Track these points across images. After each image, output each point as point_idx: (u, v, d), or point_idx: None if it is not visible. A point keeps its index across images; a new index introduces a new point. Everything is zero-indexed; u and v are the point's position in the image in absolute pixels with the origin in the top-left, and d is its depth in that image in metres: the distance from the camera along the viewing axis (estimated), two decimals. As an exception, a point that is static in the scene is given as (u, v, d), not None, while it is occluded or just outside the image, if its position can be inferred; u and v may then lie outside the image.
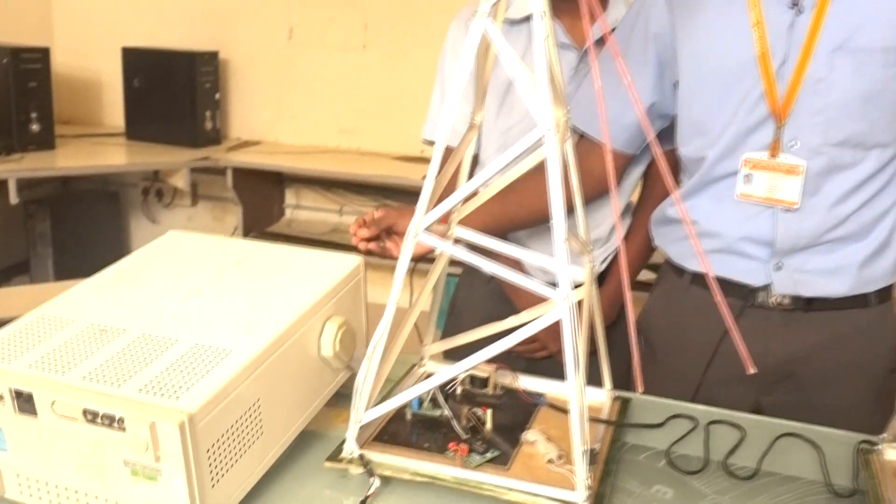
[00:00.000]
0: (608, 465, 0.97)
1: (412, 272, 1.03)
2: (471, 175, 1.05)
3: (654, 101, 1.39)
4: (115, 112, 3.85)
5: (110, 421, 0.78)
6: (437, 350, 1.17)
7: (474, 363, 0.92)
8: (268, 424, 0.89)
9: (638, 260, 1.61)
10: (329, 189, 3.71)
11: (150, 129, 3.60)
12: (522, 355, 1.52)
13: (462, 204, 1.07)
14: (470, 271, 1.65)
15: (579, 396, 0.88)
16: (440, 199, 0.96)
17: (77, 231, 3.70)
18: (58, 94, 3.42)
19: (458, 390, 1.09)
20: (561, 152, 0.90)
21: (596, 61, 0.99)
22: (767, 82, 1.25)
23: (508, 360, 1.10)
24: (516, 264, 1.39)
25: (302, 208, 3.81)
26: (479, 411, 1.03)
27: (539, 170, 0.93)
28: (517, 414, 1.07)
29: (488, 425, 1.02)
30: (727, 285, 1.33)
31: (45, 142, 3.31)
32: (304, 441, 1.00)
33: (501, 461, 0.96)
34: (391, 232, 1.38)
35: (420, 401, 1.04)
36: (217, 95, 3.60)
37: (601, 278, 1.59)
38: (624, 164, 1.50)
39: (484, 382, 1.09)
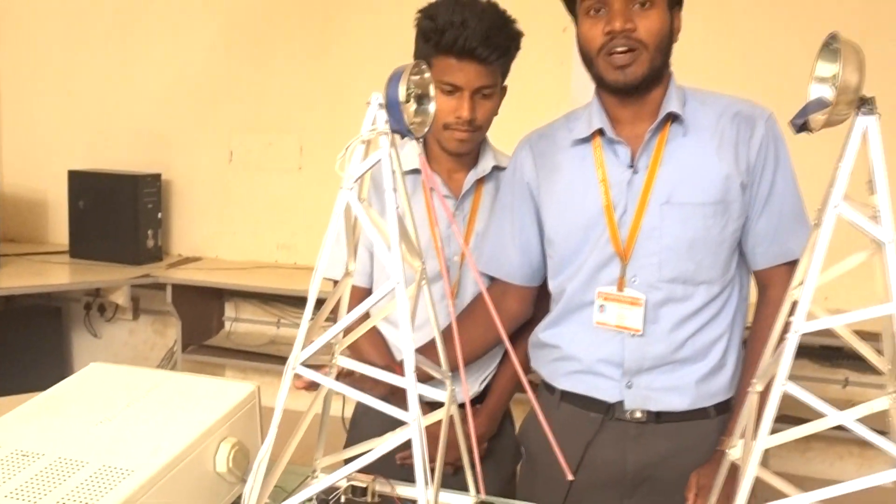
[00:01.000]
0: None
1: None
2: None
3: (540, 237, 1.63)
4: (59, 231, 4.03)
5: (26, 532, 0.95)
6: (327, 463, 1.35)
7: (337, 478, 1.10)
8: (165, 532, 1.06)
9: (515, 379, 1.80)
10: (267, 302, 3.90)
11: (94, 247, 3.78)
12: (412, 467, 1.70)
13: (343, 336, 1.27)
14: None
15: (423, 488, 1.07)
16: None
17: (20, 346, 3.80)
18: (4, 213, 3.60)
19: (342, 499, 1.26)
20: (415, 296, 1.12)
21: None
22: (612, 229, 1.51)
23: (401, 469, 1.29)
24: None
25: (241, 321, 3.97)
26: (357, 517, 1.21)
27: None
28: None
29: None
30: (589, 401, 1.56)
31: (-10, 261, 3.47)
32: (202, 547, 1.17)
33: (371, 559, 1.13)
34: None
35: (307, 508, 1.21)
36: (159, 215, 3.81)
37: (483, 395, 1.77)
38: (532, 295, 1.70)
39: (364, 491, 1.27)
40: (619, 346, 1.51)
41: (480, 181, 1.71)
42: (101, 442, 1.10)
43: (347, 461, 1.29)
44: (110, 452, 1.08)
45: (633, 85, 1.44)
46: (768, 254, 1.51)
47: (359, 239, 1.27)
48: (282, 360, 1.41)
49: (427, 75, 1.17)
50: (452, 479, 1.50)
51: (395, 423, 1.31)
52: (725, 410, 1.55)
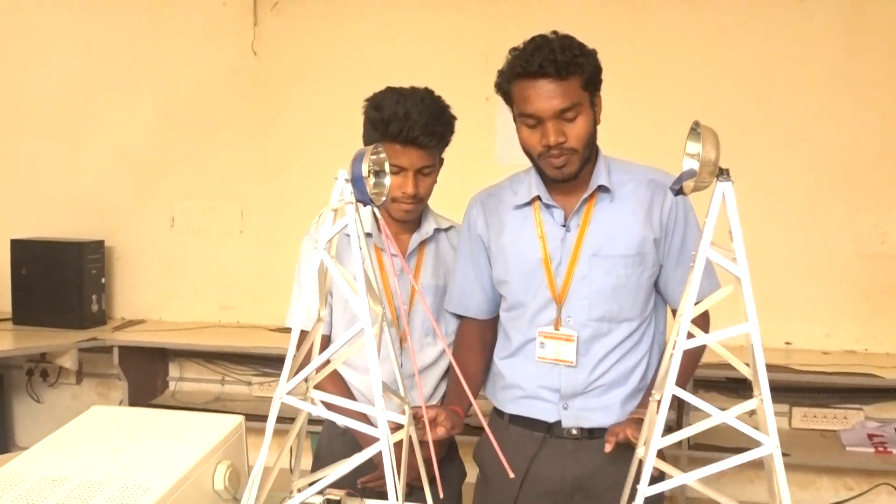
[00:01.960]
0: (424, 555, 1.39)
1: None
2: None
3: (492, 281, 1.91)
4: (1, 298, 4.12)
5: (68, 539, 1.15)
6: (302, 483, 1.57)
7: (312, 492, 1.34)
8: (177, 540, 1.28)
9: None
10: (211, 361, 4.07)
11: (37, 313, 3.90)
12: (374, 489, 1.92)
13: (316, 373, 1.51)
14: (328, 427, 2.06)
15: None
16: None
17: (-40, 415, 3.88)
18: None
19: (318, 513, 1.49)
20: (379, 335, 1.37)
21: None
22: (549, 277, 1.80)
23: (362, 492, 1.52)
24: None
25: (185, 380, 4.13)
26: (333, 526, 1.44)
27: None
28: (364, 526, 1.48)
29: (341, 536, 1.43)
30: (532, 422, 1.84)
31: (-66, 330, 3.56)
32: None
33: (347, 558, 1.36)
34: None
35: (287, 522, 1.43)
36: (103, 280, 3.97)
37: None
38: (494, 325, 1.96)
39: (338, 503, 1.50)
40: (556, 376, 1.80)
41: (423, 242, 1.99)
42: (118, 467, 1.31)
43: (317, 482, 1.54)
44: (127, 475, 1.29)
45: (570, 178, 1.75)
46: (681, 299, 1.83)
47: (329, 289, 1.52)
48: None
49: (382, 155, 1.44)
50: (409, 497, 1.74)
51: (354, 450, 1.56)
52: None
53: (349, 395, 1.95)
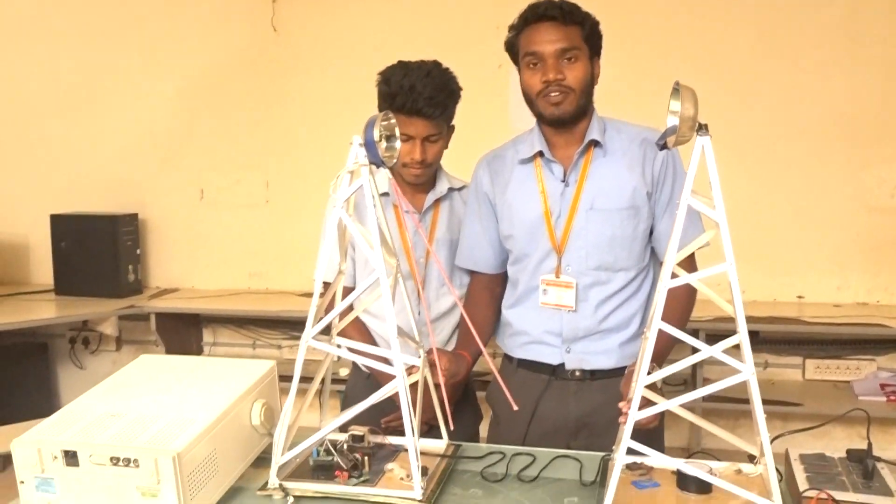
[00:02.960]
0: (441, 479, 1.56)
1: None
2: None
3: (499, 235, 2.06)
4: (42, 271, 4.34)
5: (128, 462, 1.33)
6: (327, 423, 1.74)
7: (334, 425, 1.51)
8: (221, 465, 1.45)
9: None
10: (242, 326, 4.25)
11: (77, 284, 4.10)
12: (395, 429, 2.09)
13: (339, 320, 1.67)
14: (354, 374, 2.24)
15: (412, 438, 1.47)
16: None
17: (8, 381, 4.10)
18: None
19: (345, 446, 1.65)
20: (394, 284, 1.53)
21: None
22: (549, 229, 1.95)
23: (388, 431, 1.69)
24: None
25: (218, 345, 4.32)
26: (358, 456, 1.60)
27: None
28: (385, 457, 1.64)
29: (363, 465, 1.59)
30: (538, 365, 1.99)
31: (-21, 302, 3.78)
32: (240, 486, 1.55)
33: (371, 482, 1.53)
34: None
35: (317, 451, 1.60)
36: (138, 251, 4.16)
37: None
38: (502, 280, 2.12)
39: (361, 438, 1.66)
40: (558, 321, 1.95)
41: (438, 200, 2.14)
42: (166, 404, 1.48)
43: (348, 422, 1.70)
44: (176, 410, 1.46)
45: (565, 118, 1.89)
46: None
47: (347, 245, 1.68)
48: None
49: (392, 121, 1.59)
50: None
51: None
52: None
53: (371, 341, 2.11)
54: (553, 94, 1.87)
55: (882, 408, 3.55)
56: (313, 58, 4.10)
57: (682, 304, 1.92)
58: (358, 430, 1.66)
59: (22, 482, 1.39)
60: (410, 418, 1.49)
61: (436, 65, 2.05)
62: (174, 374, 1.62)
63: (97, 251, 4.06)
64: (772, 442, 1.42)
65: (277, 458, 1.52)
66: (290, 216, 4.20)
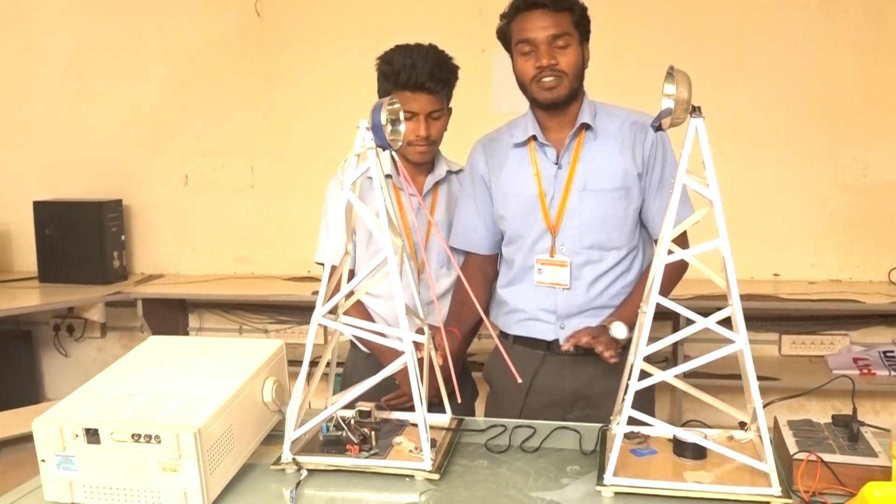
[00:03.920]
0: (448, 451, 1.62)
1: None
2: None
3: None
4: (26, 258, 4.32)
5: (149, 438, 1.37)
6: (335, 400, 1.79)
7: (343, 402, 1.56)
8: (237, 441, 1.50)
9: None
10: (229, 311, 4.27)
11: (62, 270, 4.09)
12: (397, 407, 2.14)
13: (345, 300, 1.72)
14: (352, 354, 2.29)
15: (422, 412, 1.53)
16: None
17: (-8, 369, 4.10)
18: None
19: (353, 421, 1.70)
20: (400, 264, 1.58)
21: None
22: (544, 211, 2.00)
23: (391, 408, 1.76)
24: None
25: (205, 330, 4.32)
26: (366, 430, 1.65)
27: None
28: (392, 430, 1.70)
29: (371, 439, 1.64)
30: (533, 342, 2.05)
31: (-35, 290, 3.77)
32: (253, 463, 1.60)
33: (381, 455, 1.59)
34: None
35: (327, 427, 1.65)
36: (122, 237, 4.16)
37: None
38: (497, 259, 2.18)
39: (368, 414, 1.71)
40: (553, 298, 2.01)
41: (437, 183, 2.19)
42: (182, 383, 1.53)
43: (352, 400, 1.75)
44: (191, 388, 1.50)
45: (559, 102, 1.95)
46: (661, 226, 2.03)
47: (354, 227, 1.72)
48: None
49: (397, 105, 1.64)
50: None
51: (377, 372, 1.76)
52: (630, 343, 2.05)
53: (370, 321, 2.16)
54: (547, 80, 1.92)
55: (856, 381, 3.65)
56: (297, 43, 4.11)
57: (671, 279, 1.99)
58: (365, 406, 1.71)
59: (43, 460, 1.42)
60: (419, 392, 1.55)
61: (432, 45, 2.11)
62: (186, 354, 1.66)
63: (82, 238, 4.05)
64: (764, 408, 1.48)
65: (290, 434, 1.57)
66: (275, 201, 4.23)
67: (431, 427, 1.71)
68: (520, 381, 1.68)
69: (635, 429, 1.65)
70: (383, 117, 1.56)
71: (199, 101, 4.22)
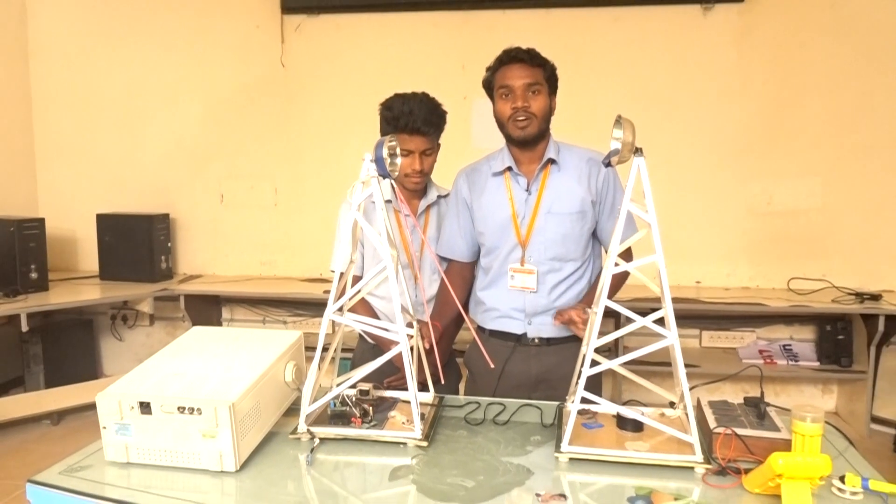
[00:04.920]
0: (433, 423, 1.61)
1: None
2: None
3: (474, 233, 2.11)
4: (88, 260, 4.29)
5: (192, 410, 1.36)
6: (340, 381, 1.78)
7: (351, 382, 1.55)
8: (263, 413, 1.49)
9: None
10: (255, 305, 4.25)
11: (118, 270, 4.06)
12: (396, 388, 2.14)
13: (349, 300, 1.72)
14: (360, 344, 2.27)
15: (413, 391, 1.53)
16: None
17: (60, 351, 4.05)
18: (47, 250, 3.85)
19: (354, 398, 1.70)
20: (396, 271, 1.58)
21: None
22: (516, 228, 2.00)
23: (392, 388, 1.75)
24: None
25: (235, 321, 4.30)
26: (366, 406, 1.64)
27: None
28: (387, 406, 1.70)
29: (371, 413, 1.63)
30: (505, 335, 2.04)
31: (41, 286, 3.73)
32: (274, 432, 1.59)
33: (379, 426, 1.58)
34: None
35: (334, 403, 1.64)
36: (169, 244, 4.13)
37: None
38: (475, 266, 2.17)
39: (367, 392, 1.71)
40: (522, 300, 2.01)
41: (429, 206, 2.19)
42: (218, 366, 1.52)
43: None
44: (225, 370, 1.49)
45: (529, 139, 1.96)
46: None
47: (360, 241, 1.72)
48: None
49: (395, 142, 1.63)
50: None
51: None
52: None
53: (375, 316, 2.16)
54: (520, 119, 1.93)
55: (762, 369, 3.68)
56: (313, 89, 4.11)
57: (616, 286, 2.00)
58: (364, 386, 1.71)
59: (104, 427, 1.41)
60: (411, 375, 1.55)
61: (425, 94, 2.10)
62: (222, 342, 1.65)
63: (135, 244, 4.03)
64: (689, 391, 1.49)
65: (305, 409, 1.56)
66: (294, 216, 4.22)
67: (420, 403, 1.71)
68: (492, 366, 1.67)
69: (586, 407, 1.66)
70: (385, 151, 1.56)
71: (232, 134, 4.21)
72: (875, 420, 3.63)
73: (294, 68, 4.10)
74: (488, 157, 2.11)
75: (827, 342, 3.71)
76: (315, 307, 4.13)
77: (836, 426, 1.63)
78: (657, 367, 3.14)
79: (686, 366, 1.46)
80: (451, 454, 1.49)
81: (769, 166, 3.83)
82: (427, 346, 1.76)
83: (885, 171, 3.72)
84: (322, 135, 4.12)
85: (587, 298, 1.99)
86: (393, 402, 1.74)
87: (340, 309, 1.67)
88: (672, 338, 1.45)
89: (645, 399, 1.86)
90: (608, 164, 1.53)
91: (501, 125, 2.00)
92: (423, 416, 1.59)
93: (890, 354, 3.69)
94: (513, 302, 2.02)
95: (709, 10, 3.76)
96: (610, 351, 3.66)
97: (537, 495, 1.30)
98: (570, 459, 1.45)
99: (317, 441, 1.51)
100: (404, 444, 1.52)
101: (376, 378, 1.80)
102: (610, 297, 1.85)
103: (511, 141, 2.01)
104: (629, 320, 1.51)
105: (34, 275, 3.69)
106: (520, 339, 2.03)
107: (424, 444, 1.51)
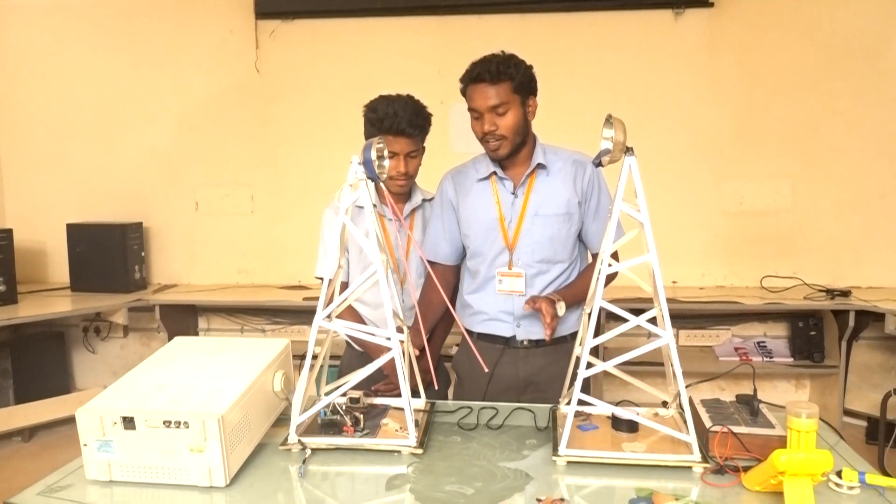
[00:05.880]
0: (426, 430, 1.57)
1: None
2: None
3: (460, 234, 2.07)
4: (59, 271, 4.14)
5: (179, 424, 1.29)
6: (330, 388, 1.73)
7: (342, 391, 1.50)
8: (252, 425, 1.43)
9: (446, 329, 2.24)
10: (232, 314, 4.15)
11: (90, 281, 3.93)
12: (385, 394, 2.08)
13: (337, 307, 1.66)
14: (348, 351, 2.21)
15: (407, 397, 1.48)
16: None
17: (31, 365, 3.89)
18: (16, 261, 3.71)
19: (344, 406, 1.64)
20: (387, 275, 1.53)
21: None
22: (503, 231, 1.97)
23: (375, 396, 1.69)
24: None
25: (212, 330, 4.19)
26: (358, 414, 1.59)
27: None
28: (378, 414, 1.64)
29: (361, 421, 1.58)
30: (495, 338, 2.00)
31: (10, 298, 3.60)
32: (263, 443, 1.53)
33: (372, 434, 1.53)
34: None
35: (324, 412, 1.59)
36: (143, 253, 4.01)
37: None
38: (459, 269, 2.13)
39: (358, 400, 1.66)
40: (511, 303, 1.98)
41: (414, 209, 2.15)
42: (205, 376, 1.45)
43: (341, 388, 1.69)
44: (214, 380, 1.43)
45: (502, 159, 1.93)
46: (597, 243, 2.00)
47: (346, 246, 1.66)
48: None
49: (382, 145, 1.59)
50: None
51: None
52: (576, 336, 2.01)
53: (362, 323, 2.09)
54: (490, 143, 1.90)
55: (736, 366, 3.71)
56: (289, 95, 4.03)
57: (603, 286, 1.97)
58: (354, 394, 1.65)
59: (85, 445, 1.34)
60: (406, 381, 1.50)
61: (410, 97, 2.05)
62: (206, 352, 1.59)
63: (108, 254, 3.90)
64: (695, 386, 1.47)
65: (296, 419, 1.50)
66: (271, 223, 4.13)
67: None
68: (486, 370, 1.63)
69: (580, 409, 1.62)
70: (373, 154, 1.52)
71: (206, 141, 4.11)
72: (847, 413, 3.67)
73: (269, 74, 4.02)
74: (474, 161, 2.07)
75: (800, 338, 3.74)
76: (294, 315, 4.04)
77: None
78: (640, 367, 3.11)
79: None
80: (446, 461, 1.45)
81: (741, 168, 3.85)
82: (417, 352, 1.71)
83: (851, 171, 3.77)
84: (298, 141, 4.05)
85: (574, 287, 1.97)
86: (384, 410, 1.68)
87: (328, 316, 1.62)
88: (667, 337, 1.43)
89: (633, 399, 1.84)
90: (599, 164, 1.50)
91: (479, 139, 1.96)
92: (416, 423, 1.54)
93: (860, 349, 3.74)
94: (501, 305, 1.99)
95: (680, 14, 3.78)
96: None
97: (538, 501, 1.26)
98: (569, 462, 1.41)
99: (308, 452, 1.46)
100: (398, 451, 1.47)
101: (363, 385, 1.75)
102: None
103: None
104: (615, 322, 1.48)
105: (2, 287, 3.56)
106: (508, 342, 1.99)
107: (420, 451, 1.46)
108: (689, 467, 1.38)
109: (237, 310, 4.11)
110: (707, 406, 1.58)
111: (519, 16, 3.86)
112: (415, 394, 1.76)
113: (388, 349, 1.49)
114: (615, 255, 1.88)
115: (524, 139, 1.95)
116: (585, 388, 1.75)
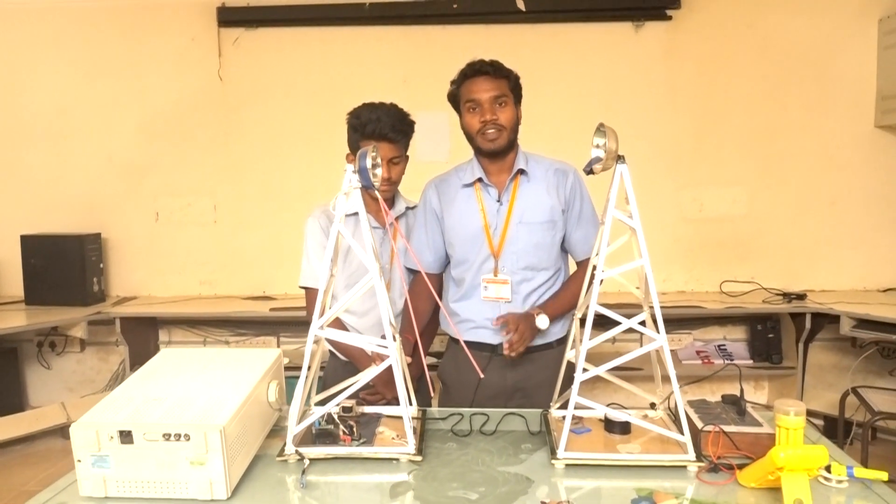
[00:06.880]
0: (422, 437, 1.57)
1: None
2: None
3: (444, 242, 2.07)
4: (13, 284, 3.98)
5: (179, 437, 1.27)
6: (318, 399, 1.71)
7: (336, 402, 1.49)
8: (250, 436, 1.41)
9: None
10: (194, 326, 4.05)
11: (45, 294, 3.80)
12: (371, 403, 2.06)
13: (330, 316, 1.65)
14: (331, 361, 2.17)
15: (405, 404, 1.48)
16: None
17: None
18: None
19: (337, 416, 1.63)
20: (381, 284, 1.53)
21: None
22: (488, 239, 1.98)
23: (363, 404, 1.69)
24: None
25: (174, 343, 4.08)
26: (351, 423, 1.58)
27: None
28: (371, 422, 1.64)
29: (355, 430, 1.57)
30: (480, 345, 2.01)
31: (-39, 313, 3.44)
32: (260, 456, 1.50)
33: (369, 443, 1.52)
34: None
35: (319, 422, 1.57)
36: (101, 265, 3.90)
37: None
38: (441, 277, 2.14)
39: (350, 409, 1.65)
40: (497, 310, 1.99)
41: (397, 217, 2.15)
42: (201, 388, 1.42)
43: (329, 398, 1.68)
44: (210, 391, 1.40)
45: (499, 151, 1.94)
46: (581, 251, 2.04)
47: (337, 253, 1.66)
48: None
49: (375, 153, 1.58)
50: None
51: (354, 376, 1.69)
52: (563, 342, 2.04)
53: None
54: (490, 132, 1.92)
55: (699, 368, 3.81)
56: (252, 103, 3.98)
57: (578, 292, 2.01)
58: (347, 402, 1.65)
59: (79, 461, 1.29)
60: (405, 389, 1.50)
61: (392, 104, 2.06)
62: (196, 363, 1.56)
63: (65, 266, 3.78)
64: (681, 388, 1.50)
65: (293, 429, 1.48)
66: (234, 233, 4.06)
67: (401, 417, 1.65)
68: (482, 376, 1.64)
69: (574, 412, 1.64)
70: (368, 162, 1.52)
71: (168, 149, 4.02)
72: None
73: (232, 82, 3.97)
74: (456, 169, 2.09)
75: (758, 341, 3.87)
76: (259, 326, 3.98)
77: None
78: (624, 371, 3.15)
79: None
80: (446, 467, 1.45)
81: (699, 175, 3.97)
82: (410, 360, 1.71)
83: (802, 178, 3.93)
84: (262, 149, 4.00)
85: (557, 299, 2.00)
86: (377, 418, 1.68)
87: (306, 328, 1.61)
88: (661, 340, 1.47)
89: (621, 402, 1.87)
90: (590, 172, 1.54)
91: (471, 138, 1.98)
92: (414, 430, 1.54)
93: (816, 350, 3.89)
94: (487, 312, 2.00)
95: (640, 27, 3.89)
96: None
97: (543, 503, 1.28)
98: (567, 465, 1.44)
99: (307, 462, 1.44)
100: (396, 459, 1.47)
101: (352, 394, 1.74)
102: (576, 303, 1.88)
103: (481, 153, 1.99)
104: (600, 327, 1.51)
105: (-46, 302, 3.40)
106: (495, 349, 2.01)
107: (419, 458, 1.47)
108: (684, 466, 1.42)
109: (199, 322, 4.02)
110: (695, 407, 1.63)
111: (483, 26, 3.90)
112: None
113: (372, 358, 1.49)
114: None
115: (515, 140, 1.98)
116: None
